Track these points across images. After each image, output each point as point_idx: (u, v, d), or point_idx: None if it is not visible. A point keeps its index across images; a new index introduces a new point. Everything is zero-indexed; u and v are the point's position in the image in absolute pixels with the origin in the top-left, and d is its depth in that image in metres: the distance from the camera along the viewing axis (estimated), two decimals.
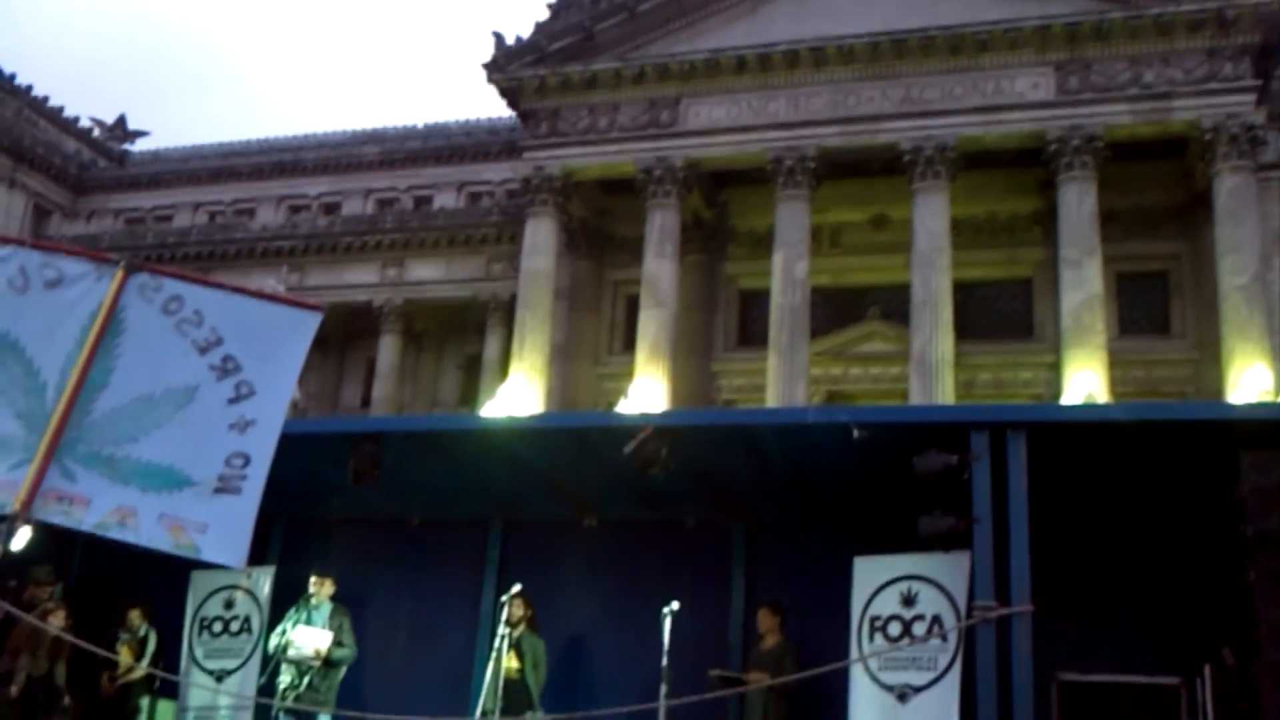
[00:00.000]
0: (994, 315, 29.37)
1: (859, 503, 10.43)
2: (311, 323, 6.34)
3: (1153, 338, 28.04)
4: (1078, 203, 25.99)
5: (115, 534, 5.61)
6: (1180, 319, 28.19)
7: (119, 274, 6.04)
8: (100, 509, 5.59)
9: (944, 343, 25.67)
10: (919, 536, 8.65)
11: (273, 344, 6.14)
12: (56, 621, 10.71)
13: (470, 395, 33.89)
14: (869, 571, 9.53)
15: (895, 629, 9.26)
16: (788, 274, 27.14)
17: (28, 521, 5.44)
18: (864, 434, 8.60)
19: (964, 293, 27.63)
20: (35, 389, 5.80)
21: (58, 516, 5.57)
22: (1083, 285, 25.31)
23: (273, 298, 6.84)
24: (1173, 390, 26.81)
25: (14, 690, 10.83)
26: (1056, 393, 25.38)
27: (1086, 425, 9.06)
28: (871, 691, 9.20)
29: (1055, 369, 26.19)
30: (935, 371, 25.34)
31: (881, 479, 9.69)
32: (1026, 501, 7.97)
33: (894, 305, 28.82)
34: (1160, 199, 28.31)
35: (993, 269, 29.27)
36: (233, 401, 5.91)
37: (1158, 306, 28.56)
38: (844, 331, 29.74)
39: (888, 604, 9.35)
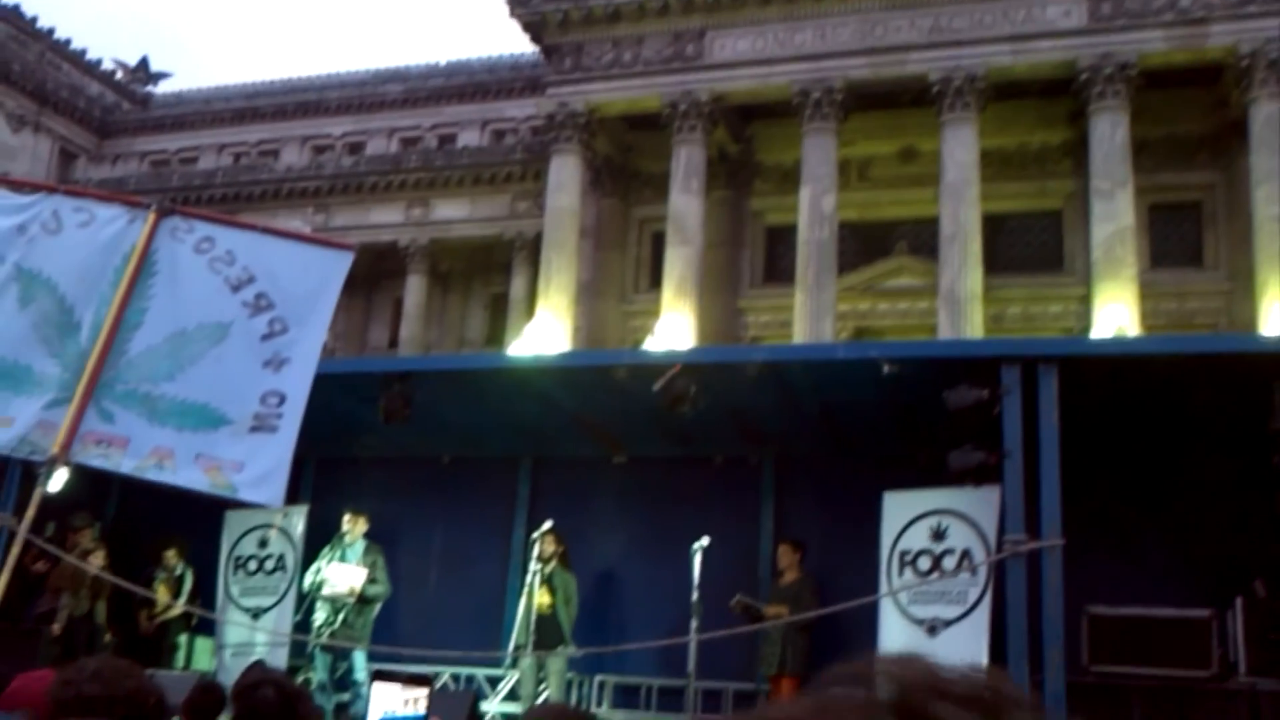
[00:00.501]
0: (1023, 248, 29.09)
1: (888, 438, 10.43)
2: (343, 263, 6.35)
3: (1185, 269, 27.72)
4: (1110, 133, 25.60)
5: (153, 475, 5.66)
6: (1213, 250, 27.84)
7: (151, 217, 6.05)
8: (138, 451, 5.64)
9: (973, 276, 25.47)
10: (949, 471, 8.65)
11: (305, 283, 6.15)
12: (96, 561, 10.89)
13: (497, 334, 33.94)
14: (898, 506, 9.54)
15: (925, 563, 9.30)
16: (814, 209, 26.93)
17: (67, 464, 5.49)
18: (894, 369, 8.56)
19: (993, 226, 27.34)
20: (70, 327, 5.83)
21: (97, 459, 5.62)
22: (1114, 217, 25.01)
23: (304, 238, 6.83)
24: (1205, 323, 26.55)
25: (56, 628, 11.04)
26: (1087, 326, 25.18)
27: (1118, 358, 9.00)
28: (901, 625, 9.25)
29: (1085, 302, 25.97)
30: (964, 306, 25.18)
31: (911, 414, 9.67)
32: (1058, 435, 7.93)
33: (922, 239, 28.57)
34: (1194, 128, 27.83)
35: (1022, 201, 28.93)
36: (266, 338, 5.92)
37: (1190, 238, 28.21)
38: (872, 266, 29.53)
39: (917, 538, 9.38)
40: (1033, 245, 29.16)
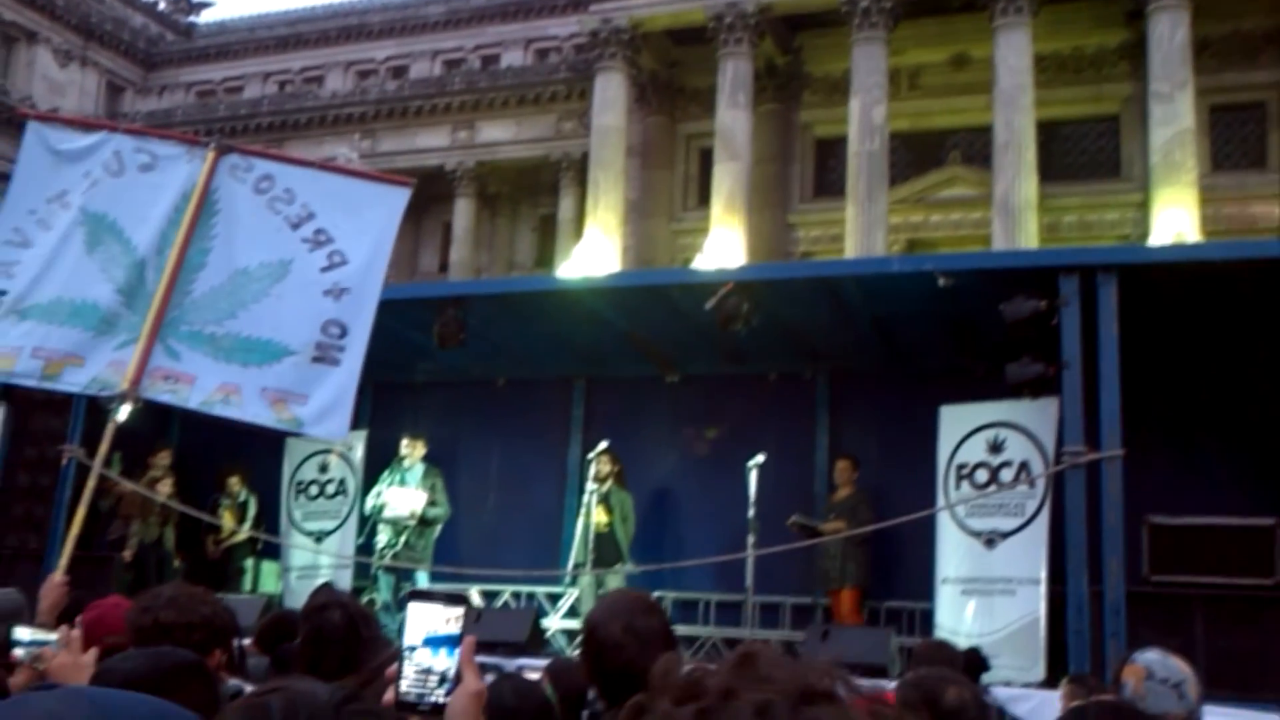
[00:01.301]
0: (1079, 155, 28.48)
1: (943, 352, 10.35)
2: (401, 198, 6.39)
3: (1247, 172, 27.00)
4: (1169, 33, 24.84)
5: (220, 411, 5.77)
6: (1277, 152, 27.07)
7: (210, 156, 6.12)
8: (205, 387, 5.75)
9: (1028, 185, 25.00)
10: (1006, 383, 8.58)
11: (364, 219, 6.19)
12: (164, 490, 11.12)
13: (546, 256, 33.92)
14: (955, 420, 9.50)
15: (982, 476, 9.27)
16: (865, 120, 26.48)
17: (136, 400, 5.61)
18: (949, 281, 8.47)
19: (1048, 132, 26.76)
20: (134, 267, 5.93)
21: (165, 395, 5.74)
22: (1173, 120, 24.36)
23: (362, 174, 6.87)
24: (1268, 227, 25.91)
25: (127, 555, 11.35)
26: (1144, 233, 24.68)
27: (1179, 265, 8.83)
28: (958, 538, 9.26)
29: (1143, 209, 25.42)
30: (1019, 215, 24.76)
31: (966, 327, 9.59)
32: (1117, 345, 7.83)
33: (975, 148, 28.05)
34: (1259, 24, 26.90)
35: (1078, 106, 28.24)
36: (325, 270, 5.98)
37: (1253, 139, 27.43)
38: (924, 177, 29.08)
39: (974, 451, 9.35)
40: (1089, 151, 28.53)
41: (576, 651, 9.87)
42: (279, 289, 5.92)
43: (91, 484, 5.36)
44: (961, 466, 9.37)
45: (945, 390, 9.84)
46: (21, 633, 3.57)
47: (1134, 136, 27.26)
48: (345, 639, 3.38)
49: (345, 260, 6.01)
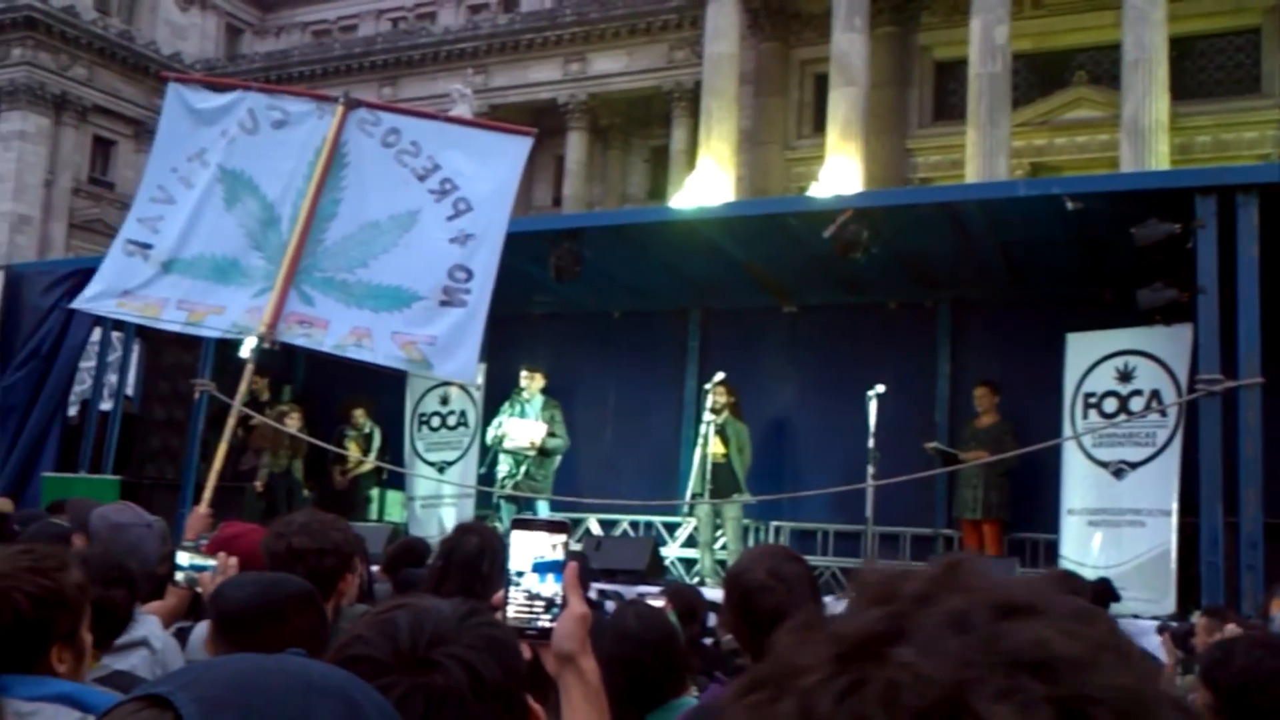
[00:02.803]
0: (1215, 71, 27.21)
1: (1070, 278, 10.08)
2: (523, 147, 6.59)
3: None
4: None
5: (353, 353, 6.03)
6: None
7: (339, 110, 6.34)
8: (338, 331, 6.00)
9: (1158, 104, 24.00)
10: (1137, 310, 8.32)
11: (488, 168, 6.39)
12: (292, 423, 11.44)
13: (659, 188, 33.78)
14: (1082, 348, 9.25)
15: (1111, 405, 9.03)
16: (986, 40, 25.64)
17: (273, 344, 5.87)
18: (1078, 205, 8.20)
19: (1180, 48, 25.59)
20: (271, 222, 6.21)
21: (300, 338, 6.01)
22: None
23: (485, 125, 7.03)
24: None
25: (259, 485, 11.74)
26: None
27: None
28: (1086, 468, 9.05)
29: None
30: (1149, 136, 23.82)
31: (1095, 252, 9.30)
32: (1257, 269, 7.50)
33: (1102, 67, 27.01)
34: None
35: (1214, 20, 26.93)
36: (451, 218, 6.19)
37: None
38: (1048, 99, 28.13)
39: (1103, 380, 9.10)
40: (1225, 67, 27.23)
41: (695, 580, 9.98)
42: (407, 238, 6.15)
43: (232, 421, 5.62)
44: (1089, 395, 9.14)
45: (1072, 318, 9.59)
46: (182, 557, 3.74)
47: (1276, 50, 25.95)
48: (471, 564, 3.44)
49: (470, 207, 6.21)
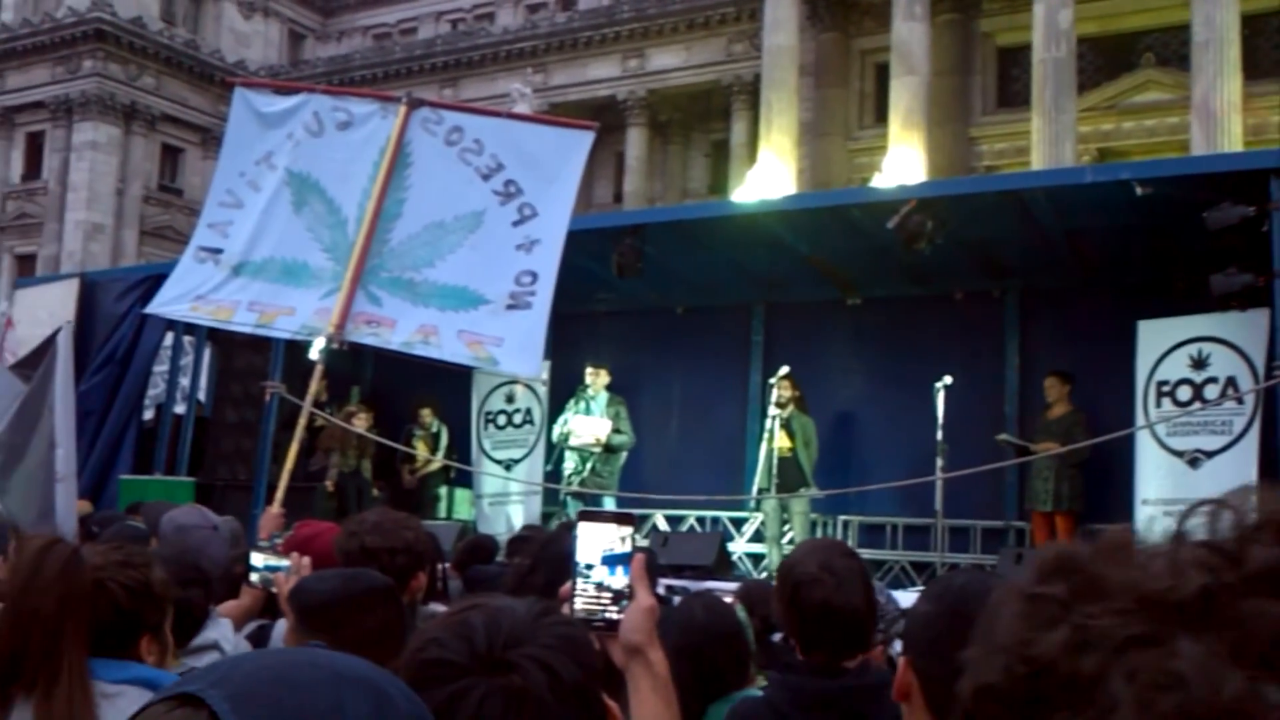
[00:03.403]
0: None
1: (1140, 264, 9.90)
2: (585, 142, 6.60)
3: None
4: None
5: (420, 351, 6.09)
6: None
7: (402, 110, 6.40)
8: (405, 329, 6.08)
9: (1230, 85, 23.49)
10: (1210, 296, 8.15)
11: (550, 165, 6.44)
12: (360, 423, 11.57)
13: (719, 182, 33.70)
14: (1154, 335, 9.08)
15: (1185, 393, 8.86)
16: (1050, 24, 25.25)
17: (342, 343, 5.94)
18: (1148, 190, 8.05)
19: (1252, 26, 24.99)
20: (338, 224, 6.30)
21: (368, 338, 6.10)
22: None
23: (547, 120, 7.08)
24: None
25: (329, 485, 11.89)
26: None
27: None
28: (1160, 458, 8.88)
29: None
30: (1220, 118, 23.31)
31: (1166, 238, 9.13)
32: None
33: (1171, 49, 26.49)
34: None
35: None
36: (517, 224, 6.24)
37: None
38: (1114, 83, 27.65)
39: (1176, 368, 8.93)
40: None
41: (763, 575, 9.95)
42: (473, 239, 6.22)
43: (303, 421, 5.69)
44: (1162, 384, 8.97)
45: (1142, 305, 9.42)
46: (256, 558, 3.80)
47: None
48: (561, 565, 3.46)
49: (535, 213, 6.26)
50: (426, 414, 12.47)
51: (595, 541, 1.77)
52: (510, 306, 6.11)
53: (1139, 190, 8.07)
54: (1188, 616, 0.58)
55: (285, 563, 3.57)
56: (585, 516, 1.82)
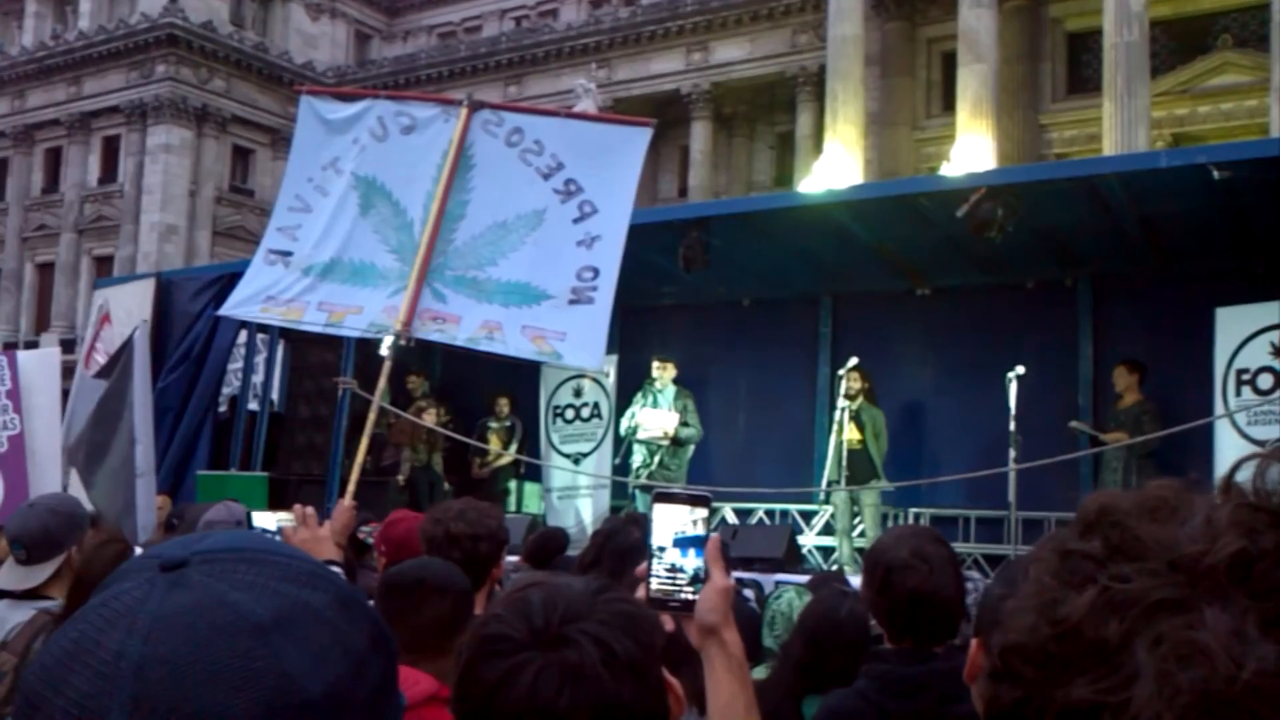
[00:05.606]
0: None
1: (1217, 250, 9.70)
2: (643, 138, 6.76)
3: None
4: None
5: (485, 346, 6.25)
6: None
7: (464, 113, 6.55)
8: (470, 325, 6.24)
9: None
10: None
11: (609, 163, 6.56)
12: (429, 418, 11.69)
13: (785, 174, 33.55)
14: (1233, 323, 8.89)
15: (1266, 381, 8.69)
16: (1122, 8, 24.80)
17: (409, 340, 6.11)
18: (1225, 174, 7.88)
19: None
20: (404, 226, 6.50)
21: (434, 334, 6.26)
22: None
23: (605, 119, 7.19)
24: None
25: (401, 479, 12.03)
26: None
27: None
28: (1240, 447, 8.68)
29: None
30: None
31: (1244, 223, 8.93)
32: None
33: (1248, 30, 25.91)
34: None
35: None
36: (578, 221, 6.37)
37: None
38: (1189, 66, 27.09)
39: (1256, 355, 8.74)
40: None
41: (833, 568, 9.90)
42: (534, 237, 6.37)
43: (373, 416, 5.83)
44: (1242, 372, 8.79)
45: (1220, 292, 9.22)
46: (260, 518, 3.96)
47: None
48: (624, 556, 3.51)
49: (595, 210, 6.36)
50: (503, 404, 12.54)
51: (669, 523, 1.79)
52: (573, 301, 6.23)
53: (1216, 174, 7.90)
54: (1220, 582, 0.56)
55: (289, 517, 3.67)
56: (660, 498, 1.84)
